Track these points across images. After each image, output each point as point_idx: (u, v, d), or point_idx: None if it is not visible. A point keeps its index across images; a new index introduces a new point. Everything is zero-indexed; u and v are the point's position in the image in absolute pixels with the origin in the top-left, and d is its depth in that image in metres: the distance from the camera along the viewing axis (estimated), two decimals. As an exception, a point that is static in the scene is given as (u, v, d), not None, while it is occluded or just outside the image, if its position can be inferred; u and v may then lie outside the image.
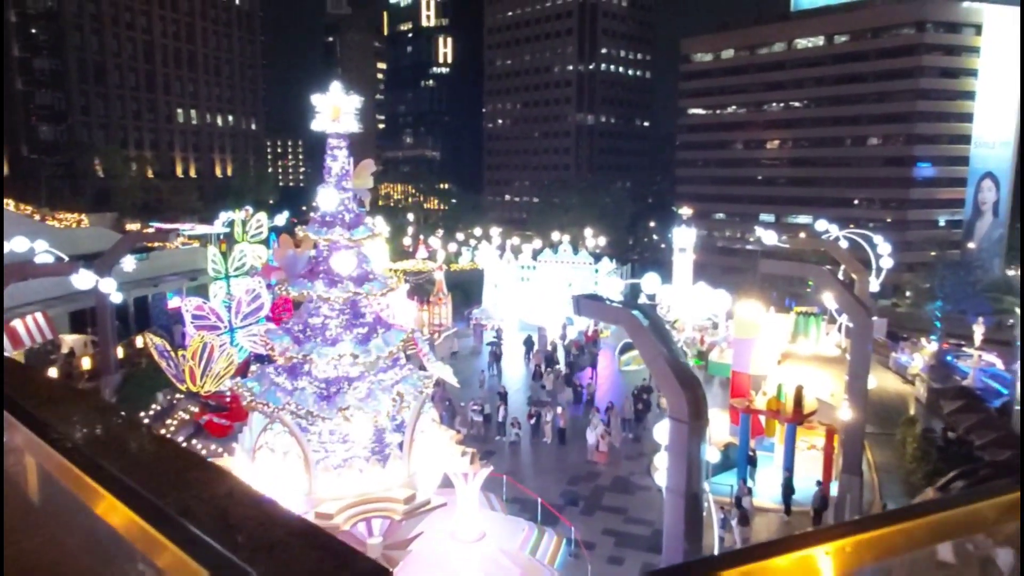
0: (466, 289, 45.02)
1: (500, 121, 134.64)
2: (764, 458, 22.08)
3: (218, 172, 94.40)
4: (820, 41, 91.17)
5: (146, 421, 22.92)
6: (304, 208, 77.08)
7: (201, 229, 50.11)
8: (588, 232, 53.66)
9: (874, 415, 24.86)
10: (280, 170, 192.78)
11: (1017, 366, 28.40)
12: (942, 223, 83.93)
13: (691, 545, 10.82)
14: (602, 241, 56.04)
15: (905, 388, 31.60)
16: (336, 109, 14.24)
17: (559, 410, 25.94)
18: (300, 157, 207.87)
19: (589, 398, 28.86)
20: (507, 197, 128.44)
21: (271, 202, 77.55)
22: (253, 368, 18.84)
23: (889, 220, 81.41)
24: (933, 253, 73.73)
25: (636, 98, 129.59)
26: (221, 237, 35.94)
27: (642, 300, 35.94)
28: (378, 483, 13.66)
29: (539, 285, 39.98)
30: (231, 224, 32.28)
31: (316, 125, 14.39)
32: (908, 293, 69.42)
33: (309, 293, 14.16)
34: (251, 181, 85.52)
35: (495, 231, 53.99)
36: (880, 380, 28.87)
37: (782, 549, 1.12)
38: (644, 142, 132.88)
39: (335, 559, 0.86)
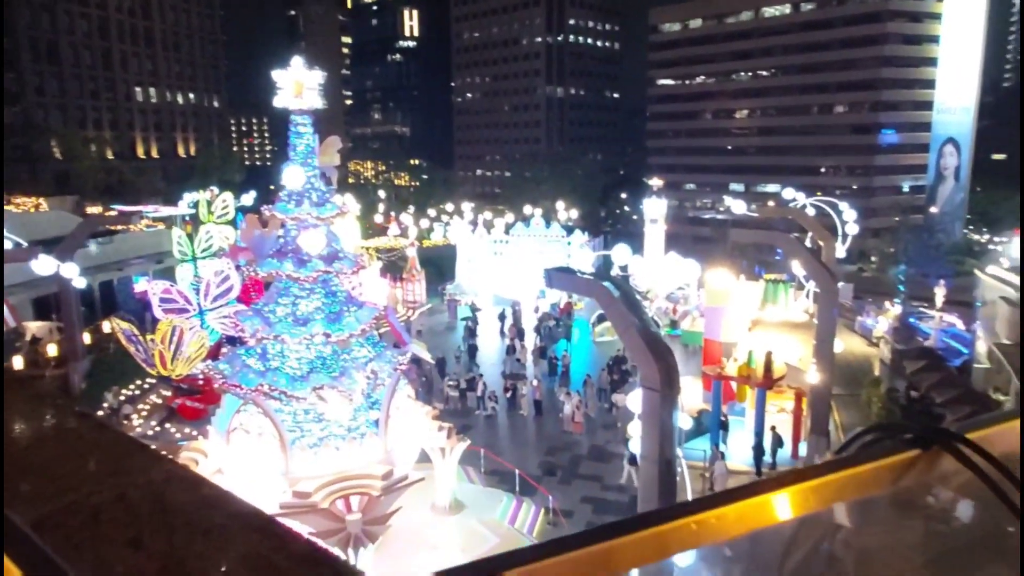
0: (439, 265, 44.79)
1: (469, 95, 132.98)
2: (736, 422, 22.58)
3: (181, 152, 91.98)
4: (787, 9, 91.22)
5: (116, 406, 22.64)
6: (271, 187, 75.60)
7: (165, 211, 49.00)
8: (560, 205, 53.53)
9: (840, 377, 25.50)
10: (246, 149, 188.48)
11: (976, 326, 29.32)
12: (906, 189, 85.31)
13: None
14: (574, 214, 55.95)
15: (870, 350, 32.38)
16: (299, 85, 13.96)
17: (535, 383, 26.17)
18: (266, 135, 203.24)
19: (564, 370, 29.11)
20: (478, 171, 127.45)
21: (237, 181, 75.83)
22: (225, 350, 18.63)
23: (855, 187, 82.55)
24: (897, 218, 75.13)
25: (606, 69, 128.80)
26: (186, 219, 35.19)
27: (614, 271, 36.18)
28: (356, 460, 13.72)
29: (512, 259, 39.96)
30: (196, 205, 31.59)
31: (278, 102, 14.10)
32: (873, 258, 70.81)
33: (278, 273, 14.02)
34: (216, 160, 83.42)
35: (467, 206, 53.57)
36: (846, 343, 29.53)
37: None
38: (615, 114, 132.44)
39: (271, 541, 0.87)
